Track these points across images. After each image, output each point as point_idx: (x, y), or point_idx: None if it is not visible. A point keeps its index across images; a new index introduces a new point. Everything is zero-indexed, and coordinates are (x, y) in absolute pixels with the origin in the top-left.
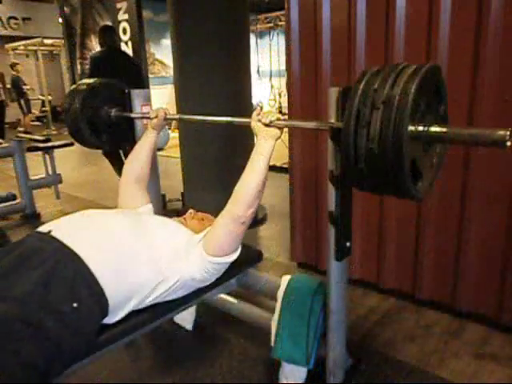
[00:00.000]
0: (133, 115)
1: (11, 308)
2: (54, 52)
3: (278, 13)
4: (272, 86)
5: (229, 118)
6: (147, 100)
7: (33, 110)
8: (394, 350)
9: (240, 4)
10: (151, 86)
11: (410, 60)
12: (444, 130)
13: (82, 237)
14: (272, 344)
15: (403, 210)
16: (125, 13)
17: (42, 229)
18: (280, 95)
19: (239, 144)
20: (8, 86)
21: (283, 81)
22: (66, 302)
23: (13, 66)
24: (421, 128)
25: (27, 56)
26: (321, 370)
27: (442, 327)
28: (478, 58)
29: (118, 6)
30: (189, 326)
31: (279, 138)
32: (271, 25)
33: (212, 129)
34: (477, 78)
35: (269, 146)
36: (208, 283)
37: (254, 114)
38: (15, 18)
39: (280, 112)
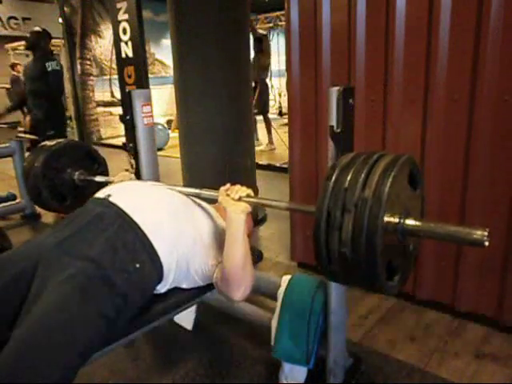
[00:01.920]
0: (97, 179)
1: (89, 266)
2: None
3: (278, 13)
4: (272, 86)
5: (196, 190)
6: (148, 100)
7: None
8: (394, 350)
9: (240, 4)
10: (151, 86)
11: (411, 59)
12: (419, 223)
13: (137, 204)
14: (272, 344)
15: None
16: (125, 13)
17: (100, 194)
18: (280, 95)
19: (239, 144)
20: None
21: (283, 81)
22: (131, 262)
23: (13, 66)
24: (396, 220)
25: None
26: (321, 369)
27: (442, 327)
28: (478, 58)
29: (118, 5)
30: (189, 326)
31: (249, 212)
32: (271, 25)
33: (212, 129)
34: (477, 78)
35: (240, 222)
36: None
37: (222, 188)
38: (15, 18)
39: (280, 112)
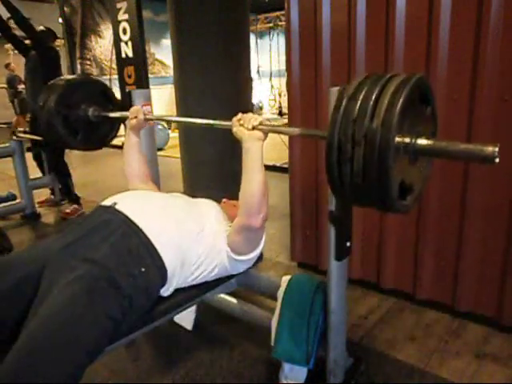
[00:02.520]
0: (111, 115)
1: (95, 268)
2: None
3: (278, 13)
4: (272, 86)
5: (210, 121)
6: (148, 100)
7: None
8: (394, 350)
9: (240, 4)
10: (151, 86)
11: (411, 59)
12: (431, 143)
13: (142, 211)
14: (272, 344)
15: None
16: (125, 13)
17: (106, 203)
18: (280, 95)
19: (239, 144)
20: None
21: (283, 81)
22: (136, 266)
23: (7, 65)
24: (407, 140)
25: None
26: (321, 369)
27: (442, 327)
28: (478, 58)
29: (118, 5)
30: (189, 326)
31: (265, 139)
32: (271, 25)
33: (212, 129)
34: (477, 78)
35: (257, 149)
36: (239, 272)
37: (235, 119)
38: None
39: (280, 112)
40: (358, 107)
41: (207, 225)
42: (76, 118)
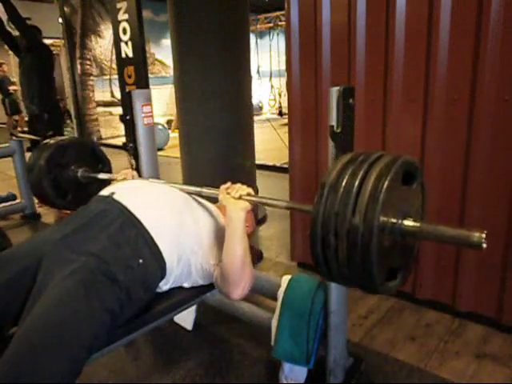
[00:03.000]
0: (100, 176)
1: (92, 261)
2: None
3: (277, 13)
4: (272, 86)
5: (197, 188)
6: (148, 100)
7: None
8: (394, 350)
9: (240, 4)
10: (151, 86)
11: (411, 59)
12: (417, 225)
13: (140, 202)
14: (272, 344)
15: None
16: (125, 13)
17: (104, 193)
18: (280, 95)
19: (239, 144)
20: None
21: (283, 81)
22: (133, 258)
23: None
24: (393, 221)
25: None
26: (321, 369)
27: (442, 327)
28: (478, 58)
29: (118, 5)
30: (189, 326)
31: (250, 209)
32: (271, 25)
33: (212, 129)
34: (477, 78)
35: (240, 220)
36: None
37: (223, 187)
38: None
39: (280, 112)
40: (339, 199)
41: (204, 226)
42: (65, 179)
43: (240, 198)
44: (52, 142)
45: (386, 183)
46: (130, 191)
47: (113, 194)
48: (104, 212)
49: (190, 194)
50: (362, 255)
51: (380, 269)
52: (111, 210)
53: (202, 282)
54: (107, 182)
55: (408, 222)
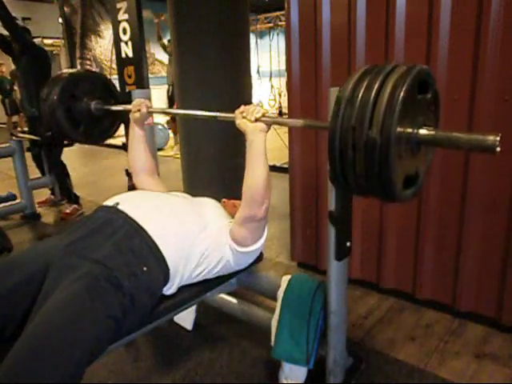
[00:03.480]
0: (114, 108)
1: (97, 268)
2: (54, 52)
3: (277, 13)
4: (272, 86)
5: (213, 113)
6: (148, 100)
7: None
8: (394, 350)
9: (240, 4)
10: (151, 86)
11: (411, 59)
12: (433, 132)
13: (145, 211)
14: (272, 344)
15: (403, 210)
16: (125, 13)
17: (109, 203)
18: (280, 95)
19: (240, 143)
20: None
21: (283, 81)
22: (138, 265)
23: None
24: (409, 131)
25: None
26: (321, 369)
27: (442, 327)
28: (478, 58)
29: (118, 6)
30: (189, 326)
31: (268, 131)
32: (271, 25)
33: (212, 128)
34: (477, 78)
35: (260, 141)
36: (243, 267)
37: (237, 111)
38: (15, 18)
39: (280, 112)
40: (355, 113)
41: (209, 222)
42: (78, 110)
43: (256, 120)
44: (64, 74)
45: (402, 94)
46: (134, 201)
47: (117, 204)
48: (109, 221)
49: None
50: (380, 166)
51: (398, 177)
52: (116, 219)
53: (236, 267)
54: (119, 119)
55: (423, 131)
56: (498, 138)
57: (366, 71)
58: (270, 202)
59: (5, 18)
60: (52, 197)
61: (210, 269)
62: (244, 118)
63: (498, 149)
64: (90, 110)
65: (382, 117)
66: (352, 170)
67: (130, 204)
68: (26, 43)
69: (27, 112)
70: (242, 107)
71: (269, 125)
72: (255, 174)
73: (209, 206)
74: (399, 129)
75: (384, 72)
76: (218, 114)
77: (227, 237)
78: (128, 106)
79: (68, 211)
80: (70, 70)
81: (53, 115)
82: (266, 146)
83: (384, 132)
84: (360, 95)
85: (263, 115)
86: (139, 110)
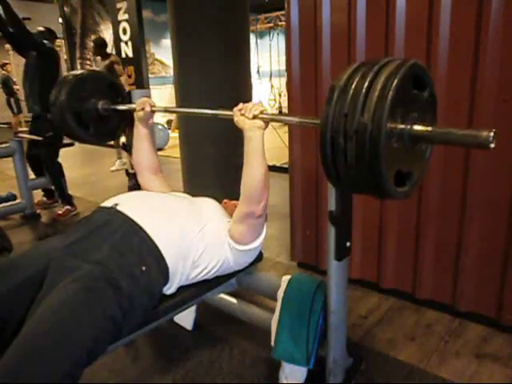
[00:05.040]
0: (119, 107)
1: (95, 269)
2: None
3: (277, 13)
4: (272, 86)
5: (213, 111)
6: None
7: None
8: (394, 350)
9: (240, 4)
10: (151, 86)
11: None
12: (426, 129)
13: (144, 211)
14: (272, 344)
15: (403, 210)
16: (125, 13)
17: (107, 204)
18: (280, 95)
19: (239, 143)
20: None
21: (283, 81)
22: (137, 265)
23: (2, 66)
24: (401, 127)
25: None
26: (321, 369)
27: (442, 327)
28: (478, 58)
29: (118, 5)
30: (189, 326)
31: (266, 128)
32: (271, 25)
33: (212, 128)
34: (477, 78)
35: (258, 138)
36: (243, 267)
37: (236, 109)
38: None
39: (280, 112)
40: (348, 101)
41: (208, 222)
42: (86, 112)
43: (254, 117)
44: (71, 76)
45: (396, 81)
46: (133, 201)
47: (116, 205)
48: (107, 222)
49: (190, 198)
50: (369, 154)
51: (388, 169)
52: (115, 220)
53: (235, 267)
54: (127, 116)
55: (417, 127)
56: (492, 134)
57: (362, 63)
58: (268, 199)
59: (11, 17)
60: (44, 199)
61: (209, 269)
62: (242, 115)
63: (492, 145)
64: (98, 111)
65: (374, 105)
66: (343, 160)
67: (129, 205)
68: (33, 41)
69: (30, 110)
70: (241, 105)
71: (267, 122)
72: (253, 172)
73: (208, 205)
74: (391, 123)
75: (379, 64)
76: (216, 111)
77: (226, 235)
78: (133, 105)
79: (60, 212)
80: (76, 72)
81: (63, 119)
82: (263, 144)
83: (375, 118)
84: (354, 85)
85: (261, 112)
86: (143, 109)
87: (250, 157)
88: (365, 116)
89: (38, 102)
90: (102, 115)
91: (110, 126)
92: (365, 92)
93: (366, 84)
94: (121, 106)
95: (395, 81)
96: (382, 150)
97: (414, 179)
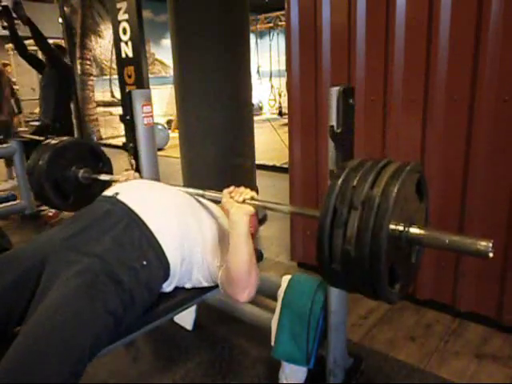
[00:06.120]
0: (101, 177)
1: (96, 263)
2: None
3: (277, 13)
4: (272, 86)
5: (200, 191)
6: (148, 100)
7: (33, 111)
8: (394, 350)
9: (240, 4)
10: (151, 86)
11: (411, 59)
12: (423, 232)
13: (144, 203)
14: (272, 344)
15: None
16: (125, 13)
17: (108, 193)
18: (280, 95)
19: (239, 144)
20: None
21: (283, 81)
22: (137, 259)
23: (3, 66)
24: (401, 228)
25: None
26: (321, 369)
27: (442, 327)
28: (478, 58)
29: (118, 5)
30: (189, 326)
31: (253, 214)
32: (271, 25)
33: (212, 129)
34: (477, 78)
35: (243, 223)
36: None
37: (226, 191)
38: (15, 18)
39: (280, 112)
40: (358, 177)
41: (207, 223)
42: (66, 181)
43: (243, 202)
44: (51, 143)
45: (404, 174)
46: (134, 192)
47: (117, 194)
48: (108, 213)
49: (192, 195)
50: (373, 229)
51: (386, 261)
52: (115, 210)
53: (206, 284)
54: (109, 183)
55: (414, 230)
56: (491, 245)
57: (365, 159)
58: (256, 285)
59: (37, 38)
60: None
61: (201, 275)
62: (232, 197)
63: (491, 254)
64: (78, 179)
65: (385, 181)
66: (342, 233)
67: (130, 195)
68: (53, 54)
69: (41, 122)
70: (232, 187)
71: (255, 208)
72: (237, 259)
73: (208, 205)
74: (392, 226)
75: (384, 161)
76: (205, 192)
77: (216, 276)
78: (116, 177)
79: (50, 214)
80: (54, 141)
81: (41, 190)
82: (249, 230)
83: (385, 192)
84: (363, 167)
85: (251, 198)
86: (126, 179)
87: (234, 242)
88: (374, 189)
89: (50, 117)
90: (83, 184)
91: (91, 192)
92: (376, 171)
93: (378, 167)
94: (103, 176)
95: (406, 169)
96: (386, 226)
97: (403, 284)
